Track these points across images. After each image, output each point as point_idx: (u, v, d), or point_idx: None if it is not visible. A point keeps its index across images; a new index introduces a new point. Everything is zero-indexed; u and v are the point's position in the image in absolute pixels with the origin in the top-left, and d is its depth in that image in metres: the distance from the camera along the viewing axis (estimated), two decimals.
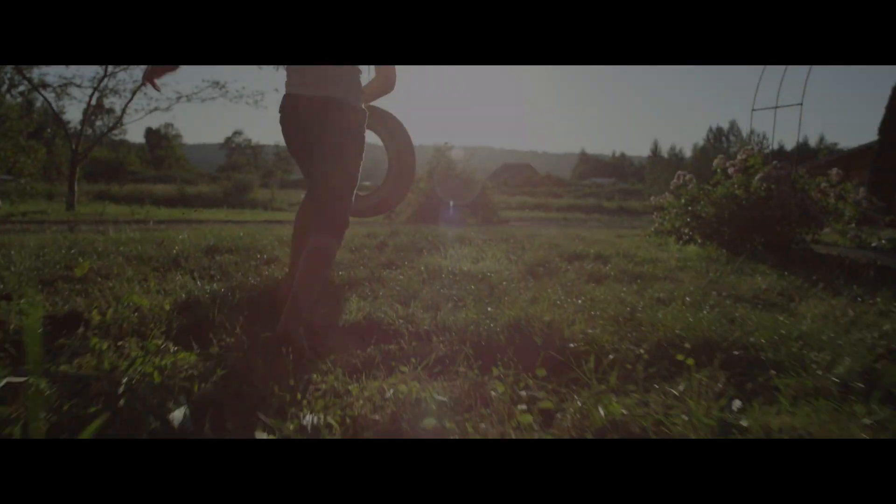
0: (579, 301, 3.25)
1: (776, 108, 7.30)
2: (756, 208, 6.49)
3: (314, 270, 2.51)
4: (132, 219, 12.55)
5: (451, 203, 16.24)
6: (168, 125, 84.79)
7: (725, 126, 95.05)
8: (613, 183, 71.84)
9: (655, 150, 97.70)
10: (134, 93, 15.14)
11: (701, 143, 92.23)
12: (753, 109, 7.74)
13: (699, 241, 6.96)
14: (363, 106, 2.79)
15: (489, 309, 3.00)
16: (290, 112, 2.77)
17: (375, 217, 5.13)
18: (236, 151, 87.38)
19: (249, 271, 4.04)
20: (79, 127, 16.04)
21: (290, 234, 5.53)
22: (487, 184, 17.84)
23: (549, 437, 1.73)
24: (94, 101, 14.80)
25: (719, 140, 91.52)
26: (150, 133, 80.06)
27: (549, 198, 42.96)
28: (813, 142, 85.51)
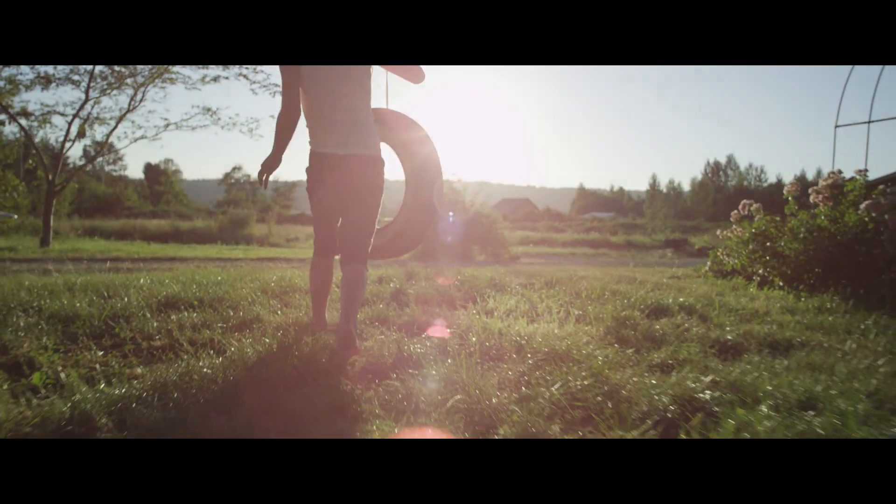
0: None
1: (869, 122, 6.08)
2: (859, 244, 5.25)
3: (357, 295, 2.96)
4: (109, 256, 11.36)
5: (450, 238, 15.26)
6: (168, 160, 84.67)
7: (723, 160, 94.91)
8: (613, 217, 71.32)
9: (654, 184, 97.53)
10: (118, 120, 13.98)
11: (699, 176, 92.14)
12: (837, 126, 6.50)
13: (780, 283, 5.71)
14: None
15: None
16: (337, 167, 3.08)
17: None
18: (235, 187, 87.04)
19: (204, 347, 2.79)
20: (69, 155, 15.10)
21: (279, 276, 5.37)
22: (498, 218, 16.81)
23: None
24: (74, 129, 13.61)
25: (717, 174, 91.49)
26: (150, 168, 79.65)
27: (550, 232, 41.98)
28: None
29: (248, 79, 13.40)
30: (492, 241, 16.21)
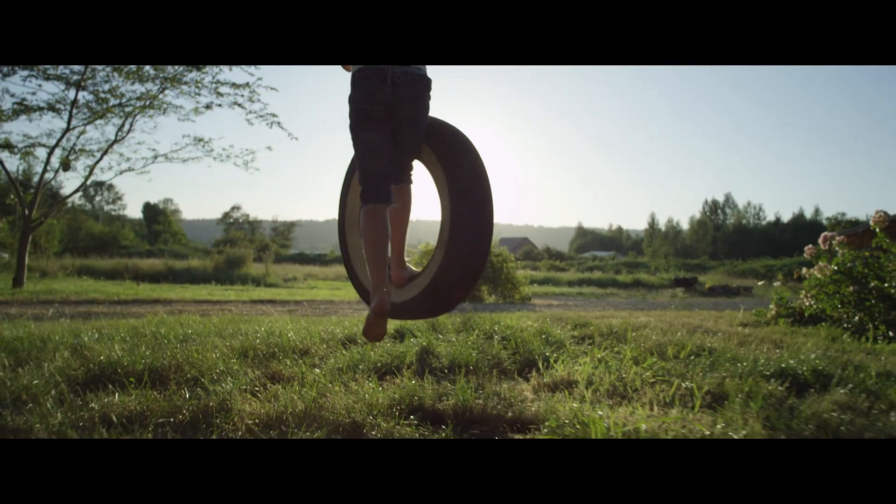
0: None
1: None
2: None
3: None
4: (85, 298, 10.31)
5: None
6: (167, 200, 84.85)
7: (721, 198, 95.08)
8: (613, 256, 71.05)
9: (653, 223, 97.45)
10: (104, 152, 12.94)
11: (697, 215, 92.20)
12: None
13: (888, 332, 4.64)
14: None
15: None
16: None
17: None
18: (233, 226, 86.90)
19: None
20: (63, 192, 14.07)
21: (269, 328, 4.58)
22: (508, 258, 15.83)
23: None
24: (55, 161, 12.56)
25: (715, 212, 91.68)
26: (148, 208, 79.50)
27: (551, 271, 41.36)
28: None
29: (242, 108, 12.49)
30: (502, 282, 15.21)
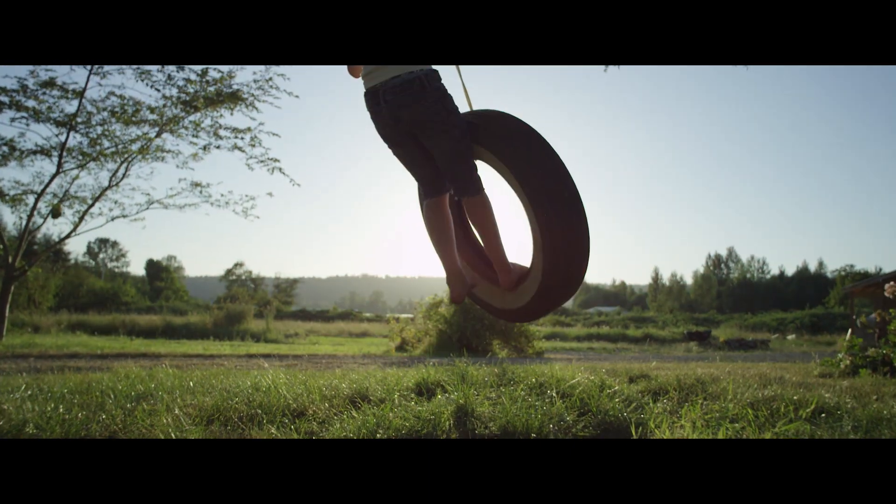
0: None
1: None
2: None
3: None
4: (66, 353, 9.65)
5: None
6: (171, 257, 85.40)
7: (724, 252, 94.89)
8: (618, 311, 70.49)
9: (656, 278, 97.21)
10: (96, 198, 12.39)
11: (701, 269, 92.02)
12: None
13: None
14: None
15: None
16: None
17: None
18: (236, 283, 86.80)
19: None
20: (68, 247, 13.44)
21: (255, 382, 3.83)
22: None
23: None
24: (43, 207, 11.98)
25: (718, 267, 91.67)
26: (151, 265, 79.52)
27: (557, 327, 40.92)
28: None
29: (243, 151, 12.03)
30: (515, 335, 14.49)
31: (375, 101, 2.62)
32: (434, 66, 2.65)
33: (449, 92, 2.66)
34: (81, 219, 12.26)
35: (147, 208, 12.98)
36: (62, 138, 11.27)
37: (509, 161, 2.50)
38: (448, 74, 2.90)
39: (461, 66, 2.87)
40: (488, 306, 2.95)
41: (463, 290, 2.80)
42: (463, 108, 2.88)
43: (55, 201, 12.14)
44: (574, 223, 2.46)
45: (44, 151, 11.35)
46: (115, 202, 12.91)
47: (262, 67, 11.44)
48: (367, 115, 2.70)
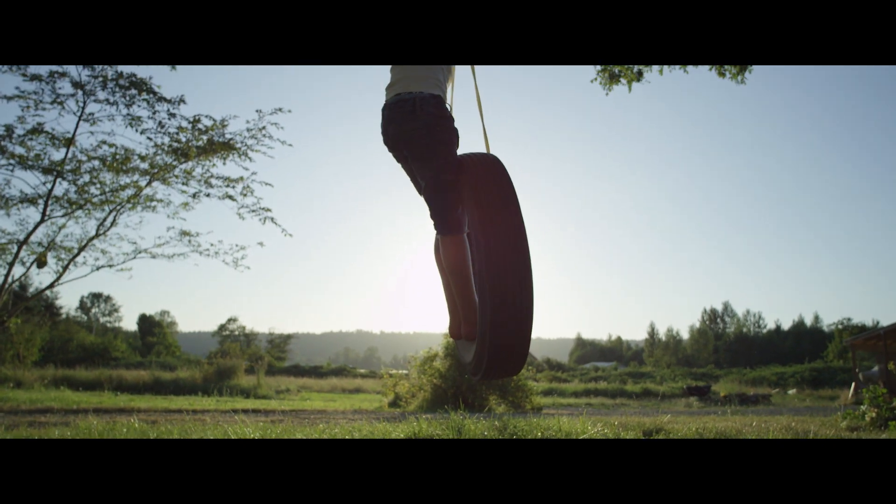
0: None
1: None
2: None
3: None
4: (37, 408, 9.26)
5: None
6: (164, 312, 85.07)
7: (719, 307, 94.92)
8: (615, 367, 70.06)
9: (652, 333, 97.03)
10: (82, 247, 12.12)
11: (697, 324, 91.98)
12: None
13: None
14: None
15: None
16: None
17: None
18: (229, 338, 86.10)
19: None
20: (59, 301, 13.10)
21: (236, 429, 3.79)
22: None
23: None
24: (29, 256, 11.67)
25: (714, 321, 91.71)
26: (143, 320, 78.89)
27: (553, 383, 40.63)
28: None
29: (234, 200, 11.84)
30: (512, 390, 14.12)
31: (383, 115, 2.63)
32: (438, 93, 2.57)
33: (447, 121, 2.53)
34: (66, 268, 11.97)
35: (134, 258, 12.72)
36: (49, 186, 11.07)
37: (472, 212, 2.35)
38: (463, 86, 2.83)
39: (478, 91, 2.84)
40: (459, 356, 2.80)
41: (455, 333, 2.72)
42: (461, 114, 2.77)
43: (40, 250, 11.88)
44: (511, 293, 2.24)
45: (29, 199, 11.15)
46: (103, 252, 12.66)
47: (255, 116, 11.38)
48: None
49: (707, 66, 8.30)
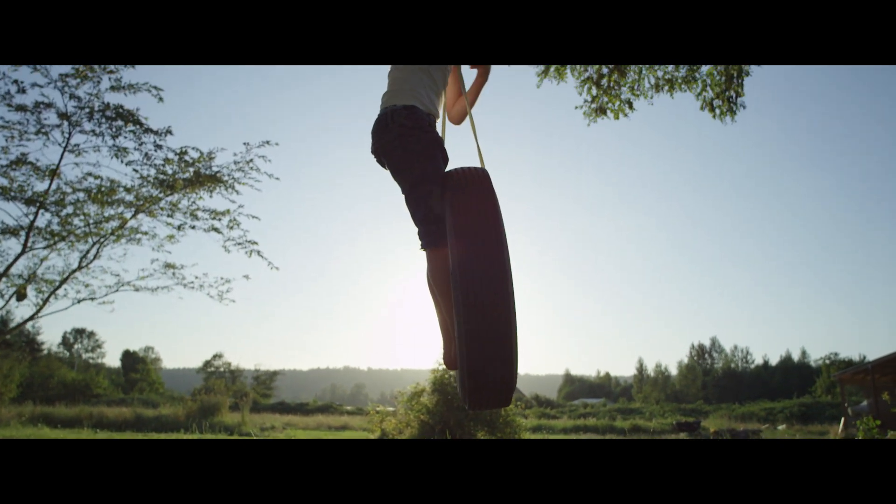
0: None
1: None
2: None
3: None
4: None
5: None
6: (148, 348, 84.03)
7: (707, 342, 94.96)
8: (604, 403, 69.71)
9: (641, 369, 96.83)
10: (63, 280, 11.91)
11: (685, 359, 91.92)
12: None
13: None
14: None
15: None
16: None
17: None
18: (214, 375, 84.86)
19: None
20: (42, 338, 12.80)
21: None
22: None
23: None
24: (8, 288, 11.41)
25: (702, 357, 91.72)
26: (127, 356, 77.76)
27: (542, 419, 40.36)
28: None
29: (220, 233, 11.72)
30: (500, 425, 13.94)
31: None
32: (415, 104, 2.55)
33: (419, 131, 2.50)
34: (46, 301, 11.75)
35: (117, 290, 12.52)
36: (32, 217, 10.91)
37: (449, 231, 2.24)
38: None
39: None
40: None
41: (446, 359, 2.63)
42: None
43: (21, 282, 11.66)
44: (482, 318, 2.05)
45: (10, 231, 10.96)
46: (85, 284, 12.44)
47: (242, 149, 11.34)
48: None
49: (697, 103, 8.31)
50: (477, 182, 2.33)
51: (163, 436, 14.65)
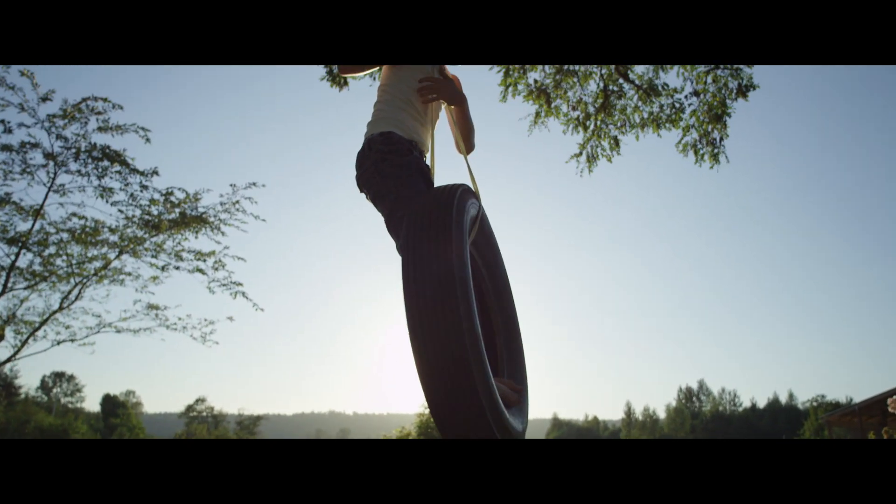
0: None
1: None
2: None
3: None
4: None
5: None
6: (129, 392, 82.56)
7: (695, 385, 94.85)
8: None
9: (629, 412, 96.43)
10: (43, 321, 11.72)
11: (673, 402, 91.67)
12: None
13: None
14: None
15: None
16: None
17: None
18: (196, 420, 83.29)
19: None
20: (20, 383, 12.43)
21: None
22: None
23: None
24: None
25: (690, 400, 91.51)
26: (107, 400, 76.40)
27: None
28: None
29: (204, 274, 11.62)
30: None
31: None
32: (392, 130, 2.51)
33: (394, 156, 2.44)
34: (24, 342, 11.53)
35: (98, 332, 12.32)
36: (13, 258, 10.77)
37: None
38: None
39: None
40: None
41: None
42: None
43: None
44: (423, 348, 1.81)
45: None
46: (65, 326, 12.24)
47: (229, 189, 11.35)
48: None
49: (684, 146, 8.43)
50: (441, 198, 2.09)
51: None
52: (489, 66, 8.43)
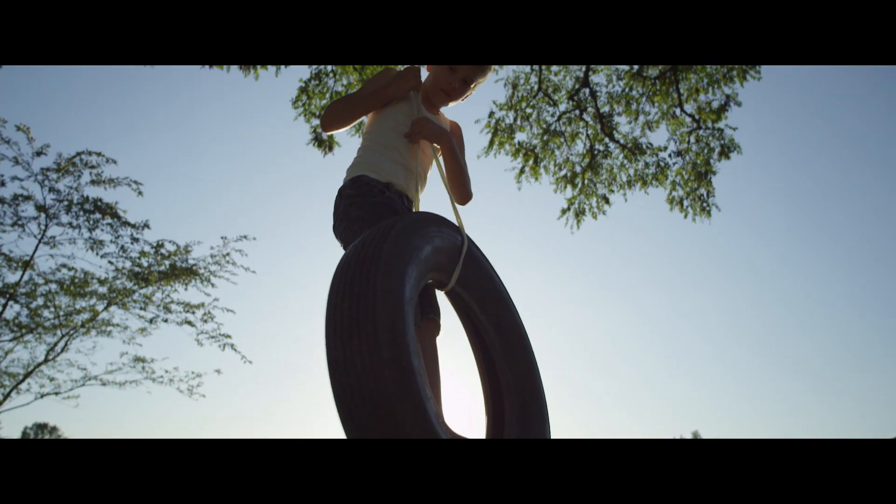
0: None
1: None
2: None
3: None
4: None
5: None
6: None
7: (689, 436, 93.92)
8: None
9: None
10: (28, 373, 11.54)
11: None
12: None
13: None
14: None
15: None
16: None
17: None
18: None
19: None
20: None
21: None
22: None
23: None
24: None
25: None
26: None
27: None
28: None
29: (193, 326, 11.51)
30: None
31: None
32: (364, 174, 2.39)
33: (356, 197, 2.33)
34: (7, 396, 11.32)
35: (83, 385, 12.10)
36: (0, 309, 10.68)
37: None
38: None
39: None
40: None
41: None
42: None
43: None
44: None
45: None
46: (50, 378, 12.03)
47: (219, 242, 11.37)
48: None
49: (670, 207, 8.61)
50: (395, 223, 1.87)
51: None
52: (478, 124, 8.66)
